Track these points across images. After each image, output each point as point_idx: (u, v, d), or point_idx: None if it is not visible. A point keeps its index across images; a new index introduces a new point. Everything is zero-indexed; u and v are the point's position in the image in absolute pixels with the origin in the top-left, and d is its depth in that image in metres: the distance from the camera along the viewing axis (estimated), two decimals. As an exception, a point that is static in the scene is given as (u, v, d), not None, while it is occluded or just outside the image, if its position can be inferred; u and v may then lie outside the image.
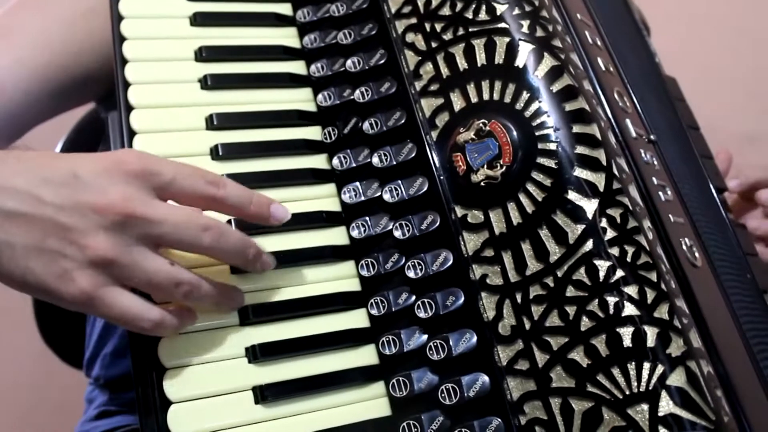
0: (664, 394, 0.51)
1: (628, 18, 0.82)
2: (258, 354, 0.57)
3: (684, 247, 0.59)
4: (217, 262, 0.57)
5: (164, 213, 0.51)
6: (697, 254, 0.60)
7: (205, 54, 0.67)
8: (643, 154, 0.61)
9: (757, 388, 0.59)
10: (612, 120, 0.60)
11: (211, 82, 0.65)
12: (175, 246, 0.53)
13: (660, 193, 0.60)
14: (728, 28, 1.44)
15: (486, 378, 0.56)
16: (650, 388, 0.51)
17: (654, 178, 0.61)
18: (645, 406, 0.51)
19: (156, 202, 0.51)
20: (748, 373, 0.59)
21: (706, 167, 0.77)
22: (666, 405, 0.50)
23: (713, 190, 0.76)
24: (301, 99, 0.68)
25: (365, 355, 0.59)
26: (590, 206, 0.55)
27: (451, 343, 0.57)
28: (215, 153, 0.62)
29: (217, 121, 0.64)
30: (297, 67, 0.69)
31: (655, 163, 0.63)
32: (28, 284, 0.49)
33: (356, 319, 0.60)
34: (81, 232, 0.48)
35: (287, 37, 0.70)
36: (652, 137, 0.65)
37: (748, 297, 0.69)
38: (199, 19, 0.68)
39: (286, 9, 0.71)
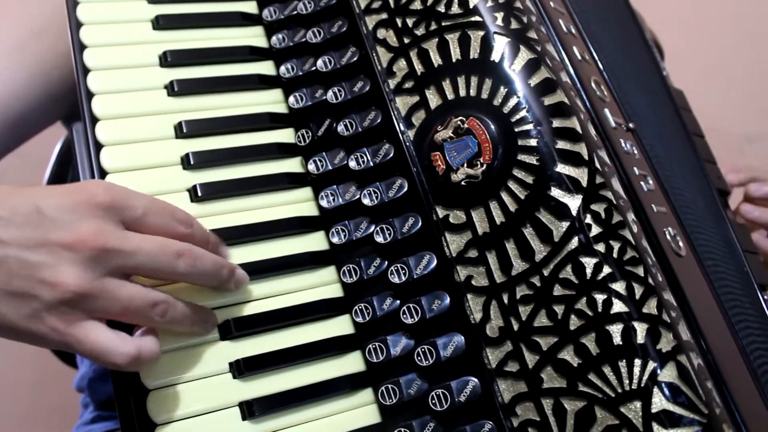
0: (656, 390, 0.50)
1: (614, 5, 0.81)
2: (243, 368, 0.55)
3: (668, 236, 0.58)
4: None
5: (137, 243, 0.49)
6: (681, 243, 0.60)
7: (170, 58, 0.64)
8: (623, 144, 0.61)
9: (745, 374, 0.59)
10: (591, 111, 0.59)
11: (177, 88, 0.63)
12: (152, 275, 0.51)
13: (642, 183, 0.59)
14: (728, 29, 1.44)
15: (476, 381, 0.55)
16: (642, 385, 0.50)
17: (635, 168, 0.60)
18: (638, 404, 0.50)
19: (127, 233, 0.50)
20: (736, 359, 0.59)
21: (707, 171, 0.77)
22: (659, 402, 0.50)
23: (714, 191, 0.76)
24: (271, 101, 0.66)
25: (352, 363, 0.58)
26: (574, 203, 0.54)
27: (438, 347, 0.56)
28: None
29: (187, 129, 0.62)
30: (266, 67, 0.67)
31: (635, 151, 0.62)
32: None
33: (340, 325, 0.59)
34: (51, 269, 0.46)
35: (254, 36, 0.68)
36: (630, 125, 0.64)
37: (738, 286, 0.68)
38: (162, 22, 0.66)
39: (251, 7, 0.69)
